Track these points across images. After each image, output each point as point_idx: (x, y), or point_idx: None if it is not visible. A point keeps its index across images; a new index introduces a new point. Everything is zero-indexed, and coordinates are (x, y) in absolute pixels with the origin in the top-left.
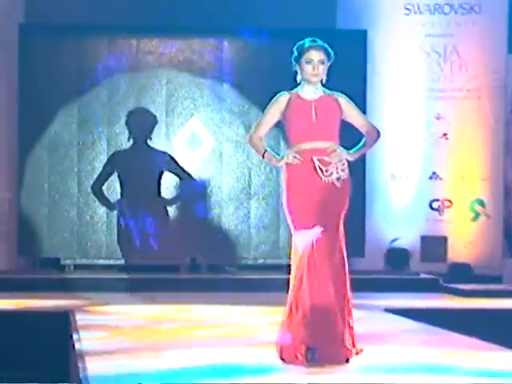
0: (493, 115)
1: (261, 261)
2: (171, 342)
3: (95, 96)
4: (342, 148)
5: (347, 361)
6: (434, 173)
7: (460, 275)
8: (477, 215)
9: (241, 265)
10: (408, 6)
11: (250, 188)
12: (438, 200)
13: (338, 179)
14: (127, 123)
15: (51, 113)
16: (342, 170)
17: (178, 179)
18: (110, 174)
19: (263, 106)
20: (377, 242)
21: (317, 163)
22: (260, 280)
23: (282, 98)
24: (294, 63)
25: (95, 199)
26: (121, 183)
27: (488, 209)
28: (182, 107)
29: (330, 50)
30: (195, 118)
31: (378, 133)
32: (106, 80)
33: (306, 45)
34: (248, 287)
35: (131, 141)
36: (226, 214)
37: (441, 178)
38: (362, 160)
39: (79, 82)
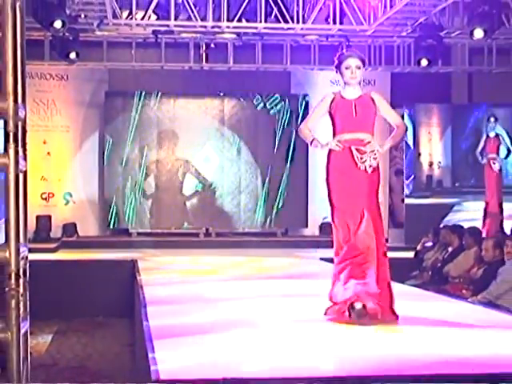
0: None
1: (246, 230)
2: (198, 278)
3: (149, 133)
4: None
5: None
6: None
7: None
8: None
9: (235, 232)
10: (332, 80)
11: (240, 187)
12: None
13: (370, 167)
14: (158, 141)
15: (123, 144)
16: (374, 159)
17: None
18: (148, 176)
19: (248, 139)
20: (315, 219)
21: (354, 152)
22: (247, 241)
23: (328, 98)
24: (335, 70)
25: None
26: (156, 182)
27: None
28: (201, 138)
29: (363, 57)
30: (208, 145)
31: (406, 127)
32: (155, 123)
33: (345, 54)
34: (239, 246)
35: (161, 153)
36: (226, 202)
37: None
38: (305, 168)
39: (140, 125)
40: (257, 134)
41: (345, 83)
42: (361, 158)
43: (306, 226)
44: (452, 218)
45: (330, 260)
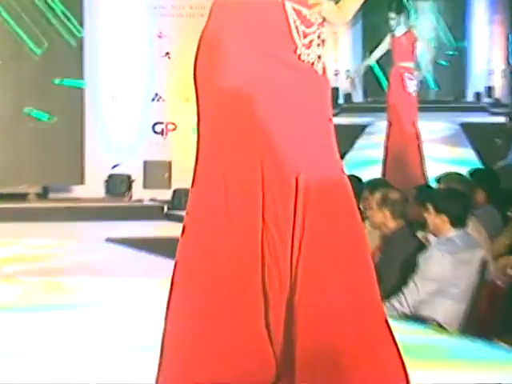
0: None
1: None
2: None
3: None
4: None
5: None
6: (156, 94)
7: (184, 202)
8: None
9: None
10: None
11: None
12: (161, 123)
13: (319, 58)
14: None
15: None
16: (322, 43)
17: None
18: None
19: None
20: (97, 168)
21: (292, 16)
22: None
23: None
24: None
25: None
26: None
27: None
28: None
29: None
30: None
31: None
32: None
33: None
34: None
35: None
36: None
37: (164, 100)
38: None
39: None
40: None
41: None
42: (303, 33)
43: (83, 183)
44: (364, 143)
45: (123, 241)
